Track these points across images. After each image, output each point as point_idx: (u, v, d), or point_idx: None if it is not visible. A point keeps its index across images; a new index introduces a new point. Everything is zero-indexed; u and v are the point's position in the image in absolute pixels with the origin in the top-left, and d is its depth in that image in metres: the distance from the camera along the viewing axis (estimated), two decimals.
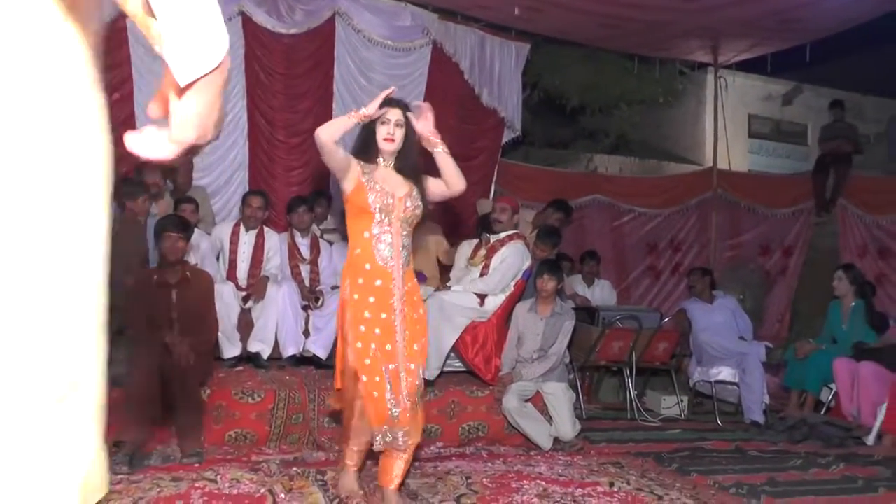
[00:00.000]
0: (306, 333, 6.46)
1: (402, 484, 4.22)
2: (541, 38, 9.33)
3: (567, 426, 5.67)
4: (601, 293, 8.27)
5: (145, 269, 5.81)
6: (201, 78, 1.22)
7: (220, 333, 5.86)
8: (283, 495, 4.24)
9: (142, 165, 6.79)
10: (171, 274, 5.31)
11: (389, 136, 4.09)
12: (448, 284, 6.37)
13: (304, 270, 6.74)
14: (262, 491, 4.28)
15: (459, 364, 6.06)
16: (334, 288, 6.53)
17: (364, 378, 3.93)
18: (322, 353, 6.36)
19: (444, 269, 7.08)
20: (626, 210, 10.46)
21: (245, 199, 6.82)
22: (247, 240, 6.69)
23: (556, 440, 5.66)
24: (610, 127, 13.00)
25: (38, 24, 1.19)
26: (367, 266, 4.00)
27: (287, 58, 8.01)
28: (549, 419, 5.74)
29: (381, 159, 4.14)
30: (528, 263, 6.25)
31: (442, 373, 5.86)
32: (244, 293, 6.46)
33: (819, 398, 6.96)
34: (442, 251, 7.35)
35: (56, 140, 1.20)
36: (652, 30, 8.64)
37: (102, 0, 1.35)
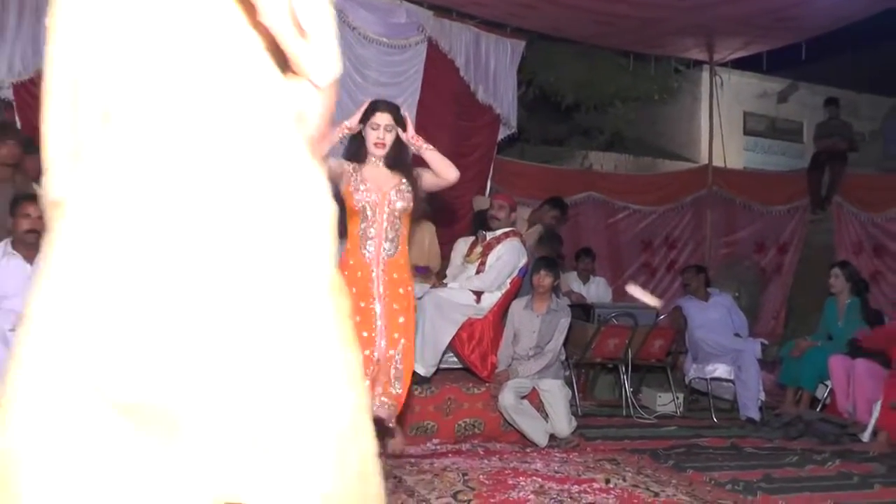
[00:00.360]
0: None
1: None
2: (535, 35, 9.33)
3: (563, 423, 5.68)
4: (596, 290, 8.28)
5: None
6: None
7: None
8: None
9: None
10: None
11: (380, 141, 4.34)
12: (444, 281, 6.37)
13: None
14: None
15: (456, 361, 6.06)
16: None
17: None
18: None
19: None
20: (621, 207, 10.47)
21: None
22: None
23: (552, 437, 5.65)
24: (605, 124, 13.01)
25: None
26: (351, 261, 4.31)
27: None
28: (546, 416, 5.74)
29: (371, 158, 4.39)
30: (524, 261, 6.25)
31: (438, 369, 5.85)
32: None
33: (815, 395, 6.97)
34: (433, 253, 7.30)
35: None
36: (646, 27, 8.65)
37: None
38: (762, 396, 6.96)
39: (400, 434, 4.80)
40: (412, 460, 4.91)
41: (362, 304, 4.25)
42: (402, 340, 4.35)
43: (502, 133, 9.24)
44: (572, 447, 5.61)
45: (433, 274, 6.72)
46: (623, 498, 4.38)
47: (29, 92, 7.12)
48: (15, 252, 5.06)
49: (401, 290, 4.38)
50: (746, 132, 15.64)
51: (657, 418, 6.89)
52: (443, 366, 5.95)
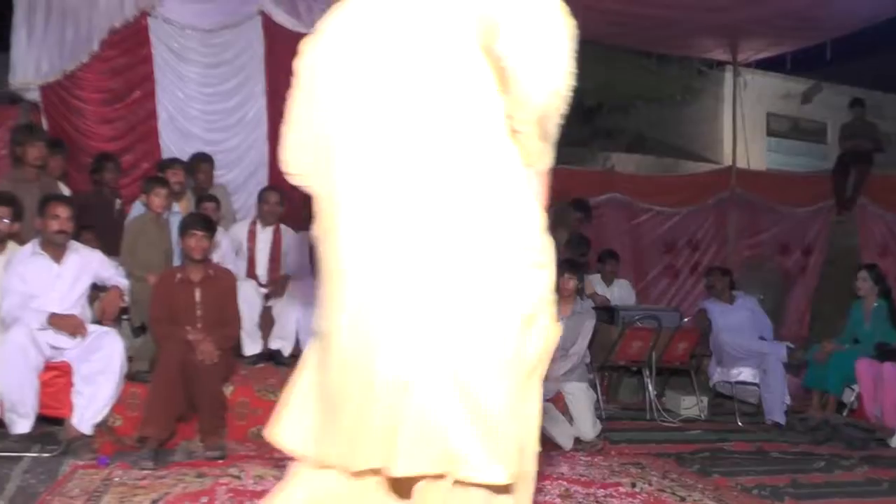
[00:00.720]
0: None
1: None
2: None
3: (588, 426, 5.68)
4: (620, 292, 8.25)
5: (169, 266, 5.84)
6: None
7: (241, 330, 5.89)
8: None
9: (165, 163, 6.83)
10: (194, 271, 5.35)
11: None
12: None
13: None
14: None
15: None
16: None
17: None
18: None
19: None
20: (644, 209, 10.43)
21: (262, 196, 6.86)
22: (264, 237, 6.74)
23: (577, 440, 5.66)
24: (627, 125, 12.97)
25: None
26: None
27: None
28: (570, 419, 5.73)
29: None
30: None
31: None
32: (265, 290, 6.49)
33: (841, 399, 6.92)
34: None
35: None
36: (670, 28, 8.62)
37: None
38: (787, 400, 6.92)
39: None
40: None
41: None
42: None
43: None
44: (597, 451, 5.61)
45: None
46: (649, 502, 4.39)
47: (55, 94, 7.21)
48: (43, 252, 5.10)
49: None
50: (769, 133, 15.55)
51: (681, 422, 6.87)
52: None
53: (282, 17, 7.88)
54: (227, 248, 6.47)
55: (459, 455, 1.77)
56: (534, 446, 2.02)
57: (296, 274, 6.63)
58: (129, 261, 5.75)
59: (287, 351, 6.33)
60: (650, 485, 4.71)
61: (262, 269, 6.67)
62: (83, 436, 4.86)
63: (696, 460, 5.45)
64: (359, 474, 1.93)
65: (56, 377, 4.95)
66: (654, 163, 13.15)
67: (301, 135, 2.09)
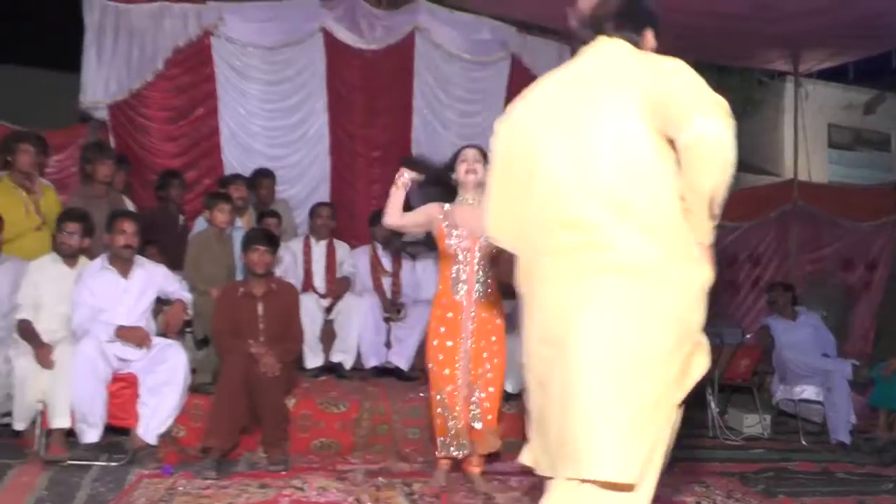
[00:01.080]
0: (388, 345, 6.52)
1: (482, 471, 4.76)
2: None
3: None
4: None
5: (231, 280, 5.92)
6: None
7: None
8: None
9: (227, 179, 6.93)
10: (257, 286, 5.42)
11: (470, 168, 4.49)
12: None
13: (386, 283, 6.80)
14: (350, 500, 4.37)
15: None
16: (416, 301, 6.64)
17: (432, 393, 4.58)
18: (403, 365, 6.42)
19: None
20: None
21: (314, 210, 7.00)
22: (318, 250, 6.86)
23: None
24: None
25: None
26: (444, 300, 4.59)
27: (367, 73, 8.13)
28: None
29: (465, 197, 4.53)
30: None
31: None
32: (326, 301, 6.56)
33: None
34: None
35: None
36: (731, 39, 8.53)
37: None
38: (853, 419, 6.76)
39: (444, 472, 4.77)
40: (500, 477, 4.91)
41: (449, 343, 4.52)
42: (489, 374, 4.56)
43: None
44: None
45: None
46: None
47: (122, 112, 7.36)
48: (111, 267, 5.21)
49: (489, 326, 4.57)
50: (831, 145, 15.29)
51: (744, 440, 6.76)
52: (519, 388, 5.94)
53: (343, 34, 7.97)
54: (289, 263, 6.56)
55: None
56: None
57: (356, 289, 6.69)
58: (193, 275, 5.84)
59: (348, 364, 6.38)
60: None
61: (319, 280, 6.76)
62: (148, 445, 4.96)
63: (760, 480, 5.37)
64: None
65: (123, 388, 5.05)
66: None
67: (503, 203, 2.49)
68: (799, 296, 8.20)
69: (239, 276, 6.02)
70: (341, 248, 6.98)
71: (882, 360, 7.28)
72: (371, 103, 8.20)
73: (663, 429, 2.26)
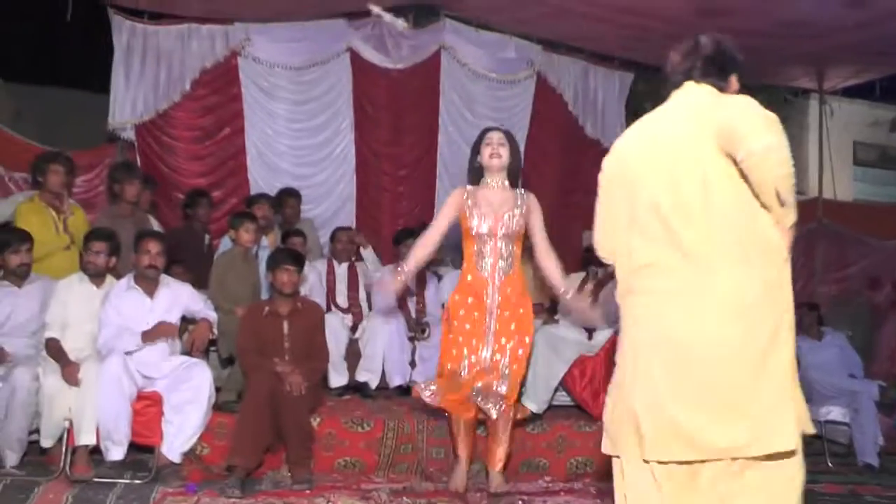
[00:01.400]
0: (412, 364, 6.51)
1: (505, 467, 4.87)
2: (643, 67, 9.26)
3: None
4: None
5: (256, 299, 5.94)
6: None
7: None
8: None
9: (252, 198, 6.97)
10: (282, 305, 5.43)
11: (494, 152, 4.61)
12: (556, 318, 6.34)
13: (411, 302, 6.80)
14: None
15: (567, 398, 6.02)
16: (440, 320, 6.63)
17: (449, 366, 4.66)
18: None
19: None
20: None
21: (335, 235, 7.05)
22: (341, 272, 6.91)
23: None
24: None
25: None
26: (469, 277, 4.69)
27: (393, 92, 8.18)
28: None
29: (487, 180, 4.64)
30: None
31: (550, 406, 5.83)
32: (350, 318, 6.63)
33: None
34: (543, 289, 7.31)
35: None
36: (756, 56, 8.48)
37: None
38: (880, 441, 6.65)
39: (462, 471, 4.86)
40: (524, 497, 4.88)
41: (476, 314, 4.62)
42: (511, 344, 4.63)
43: None
44: None
45: (545, 310, 6.69)
46: None
47: (149, 132, 7.43)
48: (137, 286, 5.24)
49: (514, 300, 4.65)
50: (856, 162, 15.10)
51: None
52: (554, 403, 5.93)
53: (369, 54, 8.02)
54: (313, 282, 6.58)
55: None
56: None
57: (382, 309, 6.70)
58: (218, 294, 5.86)
59: (374, 384, 6.37)
60: None
61: (341, 298, 6.81)
62: (172, 463, 4.98)
63: None
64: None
65: (147, 406, 5.06)
66: None
67: (608, 227, 2.85)
68: (824, 315, 8.10)
69: (264, 295, 6.05)
70: (361, 267, 7.04)
71: None
72: (397, 122, 8.24)
73: None
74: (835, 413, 6.83)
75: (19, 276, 5.30)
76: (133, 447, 5.00)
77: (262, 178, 7.73)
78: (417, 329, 6.60)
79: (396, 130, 8.23)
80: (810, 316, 7.41)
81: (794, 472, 2.54)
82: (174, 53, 7.48)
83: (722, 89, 2.75)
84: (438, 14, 8.22)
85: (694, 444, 2.48)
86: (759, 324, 2.49)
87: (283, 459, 5.12)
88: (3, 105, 8.99)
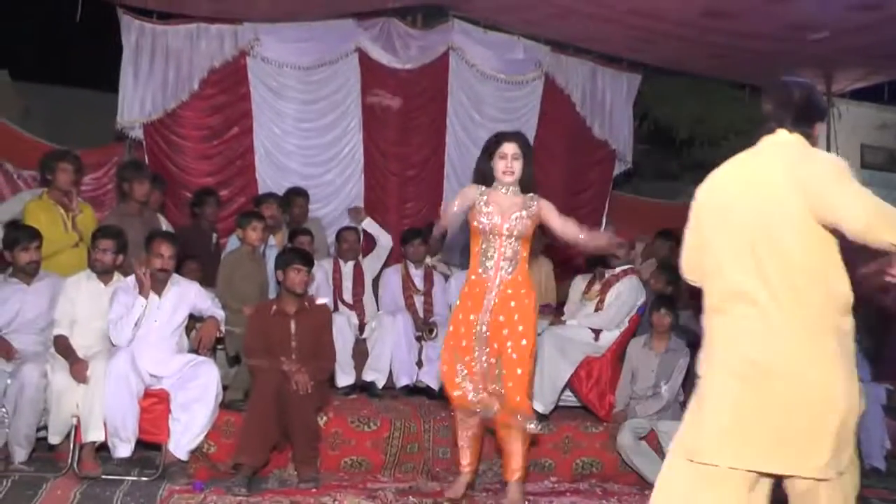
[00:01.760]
0: (419, 364, 6.52)
1: (522, 477, 4.66)
2: (651, 68, 9.26)
3: None
4: None
5: (264, 298, 5.96)
6: None
7: None
8: None
9: (260, 198, 6.98)
10: (290, 304, 5.44)
11: (508, 170, 4.53)
12: (562, 319, 6.35)
13: (418, 302, 6.81)
14: None
15: (574, 399, 6.03)
16: (448, 319, 6.65)
17: (445, 368, 4.64)
18: (435, 384, 6.40)
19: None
20: None
21: (340, 235, 7.04)
22: (346, 270, 6.94)
23: None
24: (719, 159, 12.75)
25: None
26: (472, 277, 4.62)
27: (402, 92, 8.18)
28: (664, 458, 5.62)
29: (499, 186, 4.58)
30: (642, 299, 6.19)
31: (556, 407, 5.85)
32: (356, 315, 6.67)
33: None
34: (549, 289, 7.33)
35: None
36: (765, 59, 8.48)
37: None
38: (887, 444, 6.62)
39: (462, 483, 4.76)
40: (530, 497, 4.89)
41: (472, 318, 4.53)
42: (513, 355, 4.49)
43: (618, 168, 9.21)
44: None
45: (552, 311, 6.71)
46: None
47: (157, 131, 7.44)
48: None
49: (512, 304, 4.53)
50: (864, 165, 15.07)
51: None
52: (561, 403, 5.94)
53: (378, 54, 8.03)
54: (321, 281, 6.59)
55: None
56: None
57: (389, 309, 6.72)
58: (225, 293, 5.88)
59: (381, 383, 6.39)
60: None
61: (348, 296, 6.84)
62: (179, 461, 4.98)
63: None
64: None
65: (154, 404, 5.07)
66: None
67: (696, 253, 3.06)
68: None
69: (271, 294, 6.06)
70: (369, 268, 7.07)
71: None
72: (405, 122, 8.25)
73: None
74: None
75: (28, 273, 5.31)
76: (140, 444, 5.02)
77: (270, 178, 7.74)
78: (425, 329, 6.61)
79: (404, 131, 8.23)
80: None
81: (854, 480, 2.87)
82: (183, 53, 7.49)
83: (809, 136, 3.02)
84: (447, 15, 8.23)
85: (765, 458, 2.75)
86: (832, 365, 2.74)
87: (289, 458, 5.15)
88: (12, 103, 9.03)
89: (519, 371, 4.46)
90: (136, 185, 6.09)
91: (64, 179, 5.92)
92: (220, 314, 5.48)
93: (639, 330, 6.20)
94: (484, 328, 4.50)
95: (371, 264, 7.07)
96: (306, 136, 7.95)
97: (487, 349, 4.49)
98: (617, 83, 9.10)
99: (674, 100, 10.84)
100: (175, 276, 5.41)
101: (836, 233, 2.80)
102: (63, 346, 5.09)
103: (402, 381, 6.42)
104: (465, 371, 4.52)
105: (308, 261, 5.55)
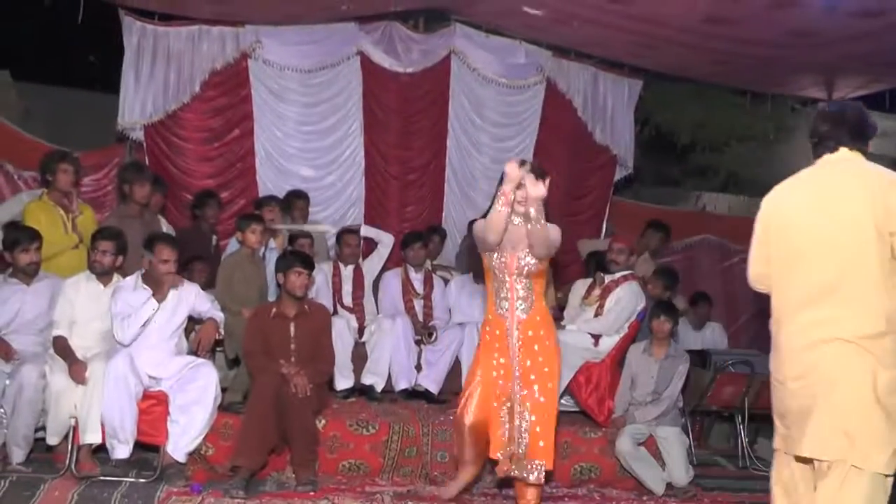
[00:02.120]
0: (418, 368, 6.52)
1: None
2: (652, 74, 9.26)
3: (681, 471, 5.56)
4: (712, 336, 8.09)
5: (263, 301, 5.96)
6: None
7: None
8: None
9: (260, 200, 6.98)
10: (289, 306, 5.45)
11: (521, 199, 4.24)
12: (562, 324, 6.35)
13: (418, 305, 6.82)
14: None
15: (572, 404, 6.03)
16: (448, 324, 6.67)
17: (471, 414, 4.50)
18: (434, 388, 6.42)
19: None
20: (737, 251, 10.20)
21: (342, 238, 7.02)
22: (347, 273, 6.95)
23: (669, 485, 5.55)
24: (720, 164, 12.75)
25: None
26: (490, 316, 4.54)
27: (403, 96, 8.17)
28: (662, 464, 5.64)
29: (513, 217, 4.33)
30: (642, 304, 6.19)
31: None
32: (355, 319, 6.67)
33: None
34: (549, 295, 7.33)
35: None
36: (767, 66, 8.48)
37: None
38: None
39: (459, 484, 4.76)
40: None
41: (502, 360, 4.44)
42: (535, 394, 4.37)
43: (619, 174, 9.19)
44: (689, 497, 5.50)
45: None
46: None
47: (158, 133, 7.44)
48: (145, 286, 5.25)
49: (536, 347, 4.41)
50: None
51: None
52: (560, 409, 5.91)
53: (379, 57, 8.02)
54: (320, 284, 6.59)
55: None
56: None
57: (389, 313, 6.71)
58: (225, 295, 5.87)
59: (379, 387, 6.39)
60: None
61: (347, 299, 6.84)
62: (177, 463, 4.99)
63: None
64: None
65: (153, 405, 5.07)
66: (746, 203, 12.87)
67: (762, 263, 3.37)
68: None
69: (271, 297, 6.06)
70: (370, 271, 7.06)
71: None
72: (406, 126, 8.24)
73: None
74: None
75: (28, 274, 5.31)
76: (138, 446, 5.02)
77: (271, 180, 7.73)
78: (424, 333, 6.61)
79: (405, 134, 8.22)
80: None
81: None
82: (184, 55, 7.47)
83: (864, 152, 3.32)
84: (449, 19, 8.22)
85: (821, 447, 3.06)
86: (882, 372, 2.99)
87: (287, 461, 5.15)
88: (12, 104, 9.00)
89: (547, 415, 4.37)
90: (136, 186, 6.09)
91: (64, 180, 5.92)
92: (219, 316, 5.48)
93: (638, 336, 6.21)
94: (517, 372, 4.38)
95: (371, 265, 7.06)
96: (307, 139, 7.93)
97: (517, 397, 4.36)
98: (618, 88, 9.09)
99: (675, 105, 10.83)
100: (175, 277, 5.41)
101: None
102: (62, 347, 5.09)
103: (401, 384, 6.42)
104: (507, 416, 4.41)
105: (309, 264, 5.55)
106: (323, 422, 5.37)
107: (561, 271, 7.58)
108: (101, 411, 4.84)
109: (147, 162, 7.26)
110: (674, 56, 8.33)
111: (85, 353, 5.10)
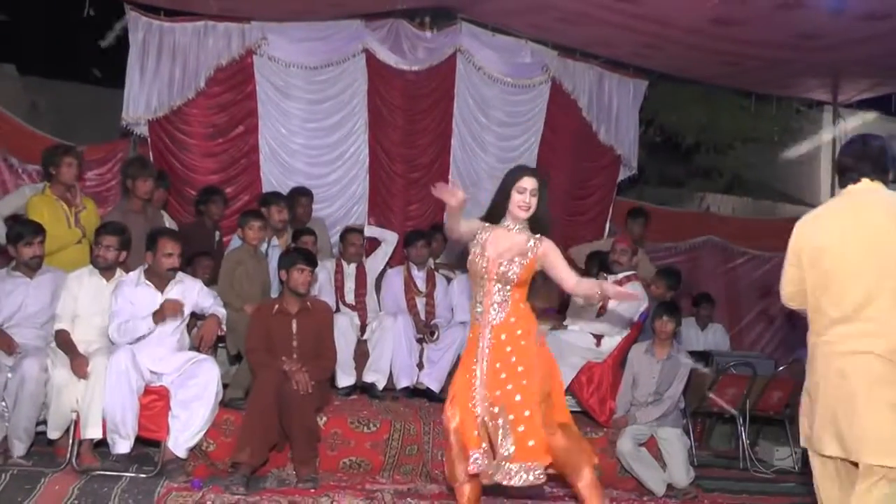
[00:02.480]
0: (420, 366, 6.53)
1: None
2: (657, 74, 9.25)
3: (681, 472, 5.56)
4: (714, 337, 8.09)
5: (266, 297, 5.96)
6: None
7: None
8: None
9: (267, 199, 6.97)
10: (291, 303, 5.45)
11: (524, 205, 4.17)
12: (564, 324, 6.35)
13: (420, 303, 6.82)
14: None
15: (574, 404, 6.02)
16: (450, 323, 6.66)
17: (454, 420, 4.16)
18: (435, 386, 6.42)
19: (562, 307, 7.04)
20: (740, 252, 10.20)
21: (345, 237, 7.04)
22: (349, 271, 6.94)
23: (670, 486, 5.55)
24: (724, 166, 12.74)
25: None
26: (472, 320, 4.35)
27: (408, 94, 8.16)
28: (663, 464, 5.64)
29: (506, 222, 4.23)
30: (644, 305, 6.19)
31: None
32: (358, 316, 6.69)
33: None
34: (553, 295, 7.33)
35: None
36: (772, 68, 8.47)
37: None
38: None
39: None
40: (529, 502, 4.89)
41: (473, 366, 4.16)
42: (508, 394, 4.07)
43: (622, 174, 9.18)
44: (690, 498, 5.50)
45: (554, 315, 6.71)
46: None
47: (162, 128, 7.43)
48: (148, 282, 5.27)
49: (508, 349, 4.14)
50: None
51: (774, 473, 6.63)
52: None
53: (385, 55, 8.01)
54: (323, 281, 6.60)
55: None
56: None
57: (391, 311, 6.71)
58: (227, 291, 5.88)
59: (381, 384, 6.40)
60: None
61: (349, 295, 6.85)
62: (178, 458, 4.99)
63: None
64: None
65: (154, 401, 5.08)
66: (750, 205, 12.86)
67: (794, 284, 3.68)
68: None
69: (273, 294, 6.07)
70: (372, 269, 7.08)
71: None
72: (411, 124, 8.22)
73: None
74: None
75: (31, 267, 5.31)
76: (139, 441, 5.04)
77: (275, 177, 7.72)
78: (426, 331, 6.61)
79: (410, 132, 8.21)
80: None
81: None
82: (190, 50, 7.46)
83: (886, 182, 3.57)
84: (455, 17, 8.21)
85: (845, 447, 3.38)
86: None
87: (288, 457, 5.16)
88: (18, 97, 9.01)
89: (527, 413, 3.99)
90: (139, 182, 6.10)
91: (68, 174, 5.91)
92: (221, 312, 5.49)
93: (640, 336, 6.20)
94: (481, 376, 4.13)
95: (374, 263, 7.07)
96: (312, 136, 7.92)
97: (485, 401, 4.09)
98: (623, 89, 9.08)
99: (680, 106, 10.82)
100: (179, 273, 5.41)
101: None
102: (64, 341, 5.10)
103: (403, 382, 6.43)
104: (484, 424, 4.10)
105: (312, 261, 5.55)
106: (324, 419, 5.37)
107: None
108: (102, 406, 4.85)
109: (151, 157, 7.25)
110: (680, 57, 8.32)
111: (87, 347, 5.11)
